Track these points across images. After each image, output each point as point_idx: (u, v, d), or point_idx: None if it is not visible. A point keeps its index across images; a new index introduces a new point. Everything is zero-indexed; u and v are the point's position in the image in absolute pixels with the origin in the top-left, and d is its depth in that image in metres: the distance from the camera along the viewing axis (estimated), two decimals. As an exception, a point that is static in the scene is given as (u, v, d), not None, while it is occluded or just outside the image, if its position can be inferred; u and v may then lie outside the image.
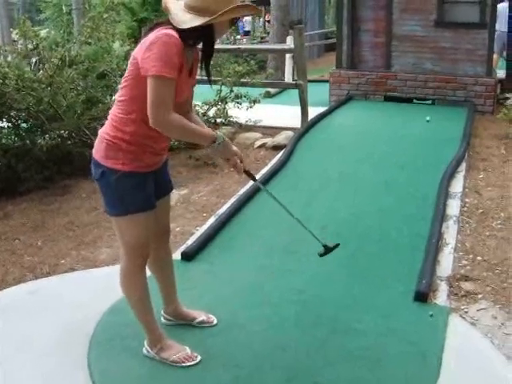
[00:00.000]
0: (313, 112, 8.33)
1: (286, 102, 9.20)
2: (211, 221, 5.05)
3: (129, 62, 2.78)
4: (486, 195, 5.56)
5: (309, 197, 5.48)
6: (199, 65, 2.95)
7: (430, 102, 9.36)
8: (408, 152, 6.77)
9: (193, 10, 2.68)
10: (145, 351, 3.15)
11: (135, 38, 9.23)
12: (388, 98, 9.10)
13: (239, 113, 7.52)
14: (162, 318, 3.47)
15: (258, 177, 6.02)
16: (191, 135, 2.90)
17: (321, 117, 8.12)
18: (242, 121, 7.82)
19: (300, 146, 6.89)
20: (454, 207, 5.14)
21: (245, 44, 20.80)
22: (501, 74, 10.65)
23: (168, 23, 2.70)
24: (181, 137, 3.36)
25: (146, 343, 3.15)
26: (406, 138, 7.27)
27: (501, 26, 12.54)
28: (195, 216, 5.47)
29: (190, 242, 4.61)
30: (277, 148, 7.11)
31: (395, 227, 4.78)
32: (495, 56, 10.17)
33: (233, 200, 5.46)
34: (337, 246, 3.55)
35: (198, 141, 3.04)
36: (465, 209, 5.24)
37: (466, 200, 5.43)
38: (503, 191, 5.63)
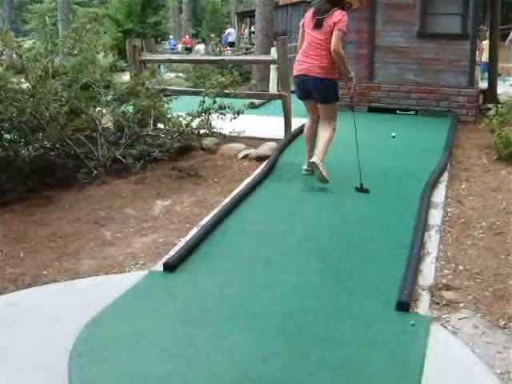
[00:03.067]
0: (297, 123, 8.34)
1: (271, 113, 9.24)
2: (194, 232, 5.04)
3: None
4: (468, 205, 5.59)
5: (292, 207, 5.50)
6: None
7: (413, 112, 9.43)
8: (391, 162, 6.83)
9: None
10: (315, 160, 5.94)
11: (120, 50, 9.22)
12: (372, 109, 9.16)
13: (223, 124, 7.51)
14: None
15: (241, 187, 6.05)
16: (345, 60, 5.93)
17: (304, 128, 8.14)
18: (226, 132, 7.80)
19: (283, 157, 6.91)
20: (436, 217, 5.16)
21: (229, 55, 20.86)
22: (483, 84, 10.79)
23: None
24: (342, 60, 5.93)
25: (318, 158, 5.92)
26: (388, 148, 7.32)
27: None
28: (178, 227, 5.45)
29: (172, 252, 4.61)
30: (260, 159, 7.12)
31: (377, 237, 4.80)
32: None
33: (215, 211, 5.46)
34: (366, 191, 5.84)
35: (345, 69, 6.02)
36: (447, 218, 5.26)
37: (448, 209, 5.46)
38: (485, 201, 5.67)
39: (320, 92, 6.12)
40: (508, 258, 4.46)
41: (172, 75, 19.03)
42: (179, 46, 40.74)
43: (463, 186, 6.15)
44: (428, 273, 4.20)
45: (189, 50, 35.36)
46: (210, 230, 4.96)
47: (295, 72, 6.27)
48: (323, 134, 6.21)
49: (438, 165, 6.33)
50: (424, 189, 5.60)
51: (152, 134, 7.17)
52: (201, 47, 30.06)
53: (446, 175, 6.27)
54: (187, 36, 44.36)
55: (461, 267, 4.34)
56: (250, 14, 20.54)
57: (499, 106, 7.85)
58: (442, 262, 4.42)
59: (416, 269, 4.14)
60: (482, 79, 14.10)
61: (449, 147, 7.09)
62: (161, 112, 7.28)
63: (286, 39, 7.82)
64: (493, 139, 7.13)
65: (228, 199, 5.75)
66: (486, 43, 12.17)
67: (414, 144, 7.53)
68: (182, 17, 59.56)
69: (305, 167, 6.43)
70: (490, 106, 8.99)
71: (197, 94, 7.74)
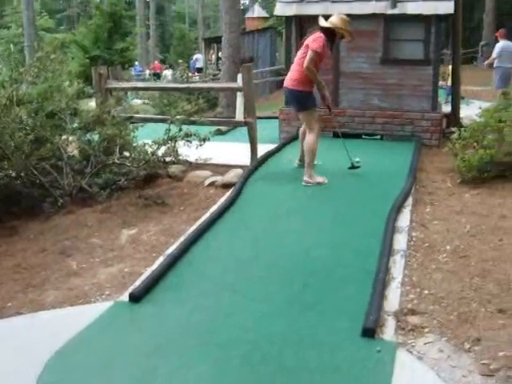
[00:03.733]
0: (263, 149, 8.40)
1: (237, 139, 9.27)
2: (160, 261, 5.02)
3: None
4: (432, 228, 5.65)
5: (258, 234, 5.51)
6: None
7: (378, 137, 9.54)
8: (357, 187, 6.89)
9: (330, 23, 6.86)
10: (304, 183, 6.95)
11: (87, 76, 9.20)
12: (336, 134, 9.23)
13: (189, 151, 7.52)
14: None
15: (207, 215, 6.05)
16: (318, 79, 7.07)
17: (270, 154, 8.21)
18: (192, 159, 7.82)
19: (249, 184, 6.93)
20: (401, 241, 5.21)
21: (196, 82, 20.92)
22: (447, 108, 10.97)
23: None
24: (313, 77, 6.98)
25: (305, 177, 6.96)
26: (354, 173, 7.37)
27: (506, 62, 13.09)
28: (144, 256, 5.43)
29: (138, 283, 4.58)
30: (226, 186, 7.13)
31: (343, 262, 4.83)
32: (500, 91, 10.42)
33: (182, 239, 5.44)
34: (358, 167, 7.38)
35: (320, 84, 7.18)
36: (412, 243, 5.32)
37: (413, 234, 5.52)
38: (449, 224, 5.74)
39: (293, 101, 7.45)
40: (472, 281, 4.52)
41: (139, 101, 19.02)
42: (147, 72, 40.77)
43: (428, 209, 6.23)
44: (393, 298, 4.23)
45: (157, 75, 35.38)
46: (177, 259, 4.95)
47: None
48: (305, 143, 7.30)
49: (403, 189, 6.40)
50: (389, 213, 5.65)
51: (118, 162, 7.15)
52: (168, 73, 30.08)
53: (410, 199, 6.33)
54: (156, 62, 44.44)
55: (426, 291, 4.38)
56: (217, 40, 20.69)
57: (462, 129, 7.98)
58: (408, 287, 4.46)
59: (381, 294, 4.17)
60: (447, 102, 14.30)
61: (413, 172, 7.18)
62: (126, 140, 7.26)
63: (251, 66, 7.88)
64: (456, 163, 7.24)
65: (194, 227, 5.74)
66: (451, 67, 12.36)
67: (379, 168, 7.60)
68: (150, 43, 59.71)
69: (296, 161, 7.79)
70: (453, 129, 9.10)
71: (163, 121, 7.75)
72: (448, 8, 9.06)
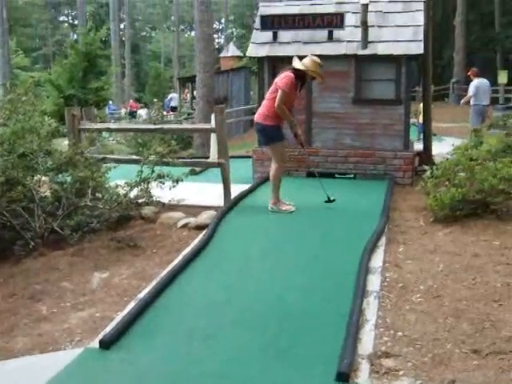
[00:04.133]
0: (237, 189, 8.39)
1: (211, 180, 9.23)
2: (131, 305, 4.95)
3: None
4: (406, 268, 5.65)
5: (231, 277, 5.46)
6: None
7: (351, 175, 9.59)
8: (330, 227, 6.89)
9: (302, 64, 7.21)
10: (269, 209, 7.43)
11: (61, 115, 9.17)
12: (310, 174, 9.28)
13: (162, 192, 7.49)
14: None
15: (180, 258, 6.00)
16: (289, 117, 7.41)
17: (243, 195, 8.19)
18: (166, 200, 7.79)
19: (222, 226, 6.89)
20: (374, 282, 5.20)
21: (171, 121, 20.96)
22: (419, 147, 11.09)
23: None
24: (284, 116, 7.32)
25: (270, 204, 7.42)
26: (327, 212, 7.39)
27: (481, 100, 13.43)
28: (116, 300, 5.36)
29: (108, 328, 4.50)
30: (199, 228, 7.08)
31: (317, 305, 4.80)
32: (481, 127, 10.53)
33: (154, 283, 5.38)
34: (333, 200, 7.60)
35: (290, 120, 7.46)
36: (385, 283, 5.30)
37: (387, 274, 5.51)
38: (422, 264, 5.74)
39: (261, 135, 7.75)
40: (446, 322, 4.51)
41: (114, 141, 19.01)
42: (122, 111, 40.82)
43: (401, 249, 6.23)
44: (367, 341, 4.20)
45: (132, 114, 35.41)
46: (148, 304, 4.88)
47: None
48: (271, 172, 7.65)
49: (376, 229, 6.41)
50: (362, 254, 5.65)
51: (90, 204, 7.09)
52: (142, 112, 30.13)
53: (383, 239, 6.34)
54: (131, 100, 44.59)
55: (400, 333, 4.36)
56: (192, 79, 20.83)
57: (434, 167, 8.05)
58: (381, 329, 4.43)
59: (355, 337, 4.13)
60: (419, 140, 14.49)
61: (386, 211, 7.20)
62: (99, 182, 7.21)
63: (224, 107, 7.90)
64: (428, 201, 7.28)
65: (167, 270, 5.68)
66: (422, 105, 12.56)
67: (353, 207, 7.63)
68: (125, 81, 59.91)
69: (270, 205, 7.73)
70: (425, 167, 9.23)
71: (136, 162, 7.71)
72: (418, 48, 9.22)
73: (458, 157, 7.66)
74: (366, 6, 9.21)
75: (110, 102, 40.28)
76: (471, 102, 13.83)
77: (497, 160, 7.44)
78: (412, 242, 6.45)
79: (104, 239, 7.03)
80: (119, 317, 4.76)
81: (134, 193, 7.45)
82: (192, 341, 4.26)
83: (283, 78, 7.32)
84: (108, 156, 8.84)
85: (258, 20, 10.03)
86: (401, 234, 6.72)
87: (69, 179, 7.63)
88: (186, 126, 13.25)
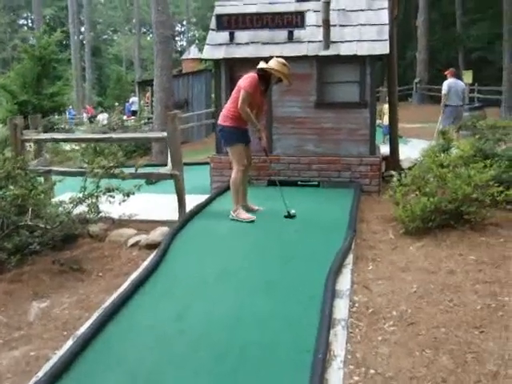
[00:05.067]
0: (194, 200, 7.82)
1: (168, 190, 8.59)
2: (69, 343, 4.37)
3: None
4: (376, 290, 5.14)
5: (183, 304, 4.86)
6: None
7: (315, 182, 9.07)
8: (292, 243, 6.33)
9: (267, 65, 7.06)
10: (230, 216, 7.16)
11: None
12: (272, 183, 8.75)
13: (112, 207, 6.89)
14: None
15: (128, 282, 5.42)
16: (252, 120, 7.08)
17: (200, 208, 7.57)
18: (116, 215, 7.19)
19: (175, 244, 6.28)
20: (341, 308, 4.65)
21: (129, 126, 20.30)
22: (385, 150, 10.63)
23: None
24: (246, 117, 7.05)
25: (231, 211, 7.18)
26: (289, 226, 6.85)
27: (453, 100, 13.14)
28: (54, 335, 4.80)
29: (41, 373, 3.93)
30: (151, 246, 6.49)
31: (278, 337, 4.23)
32: (448, 129, 10.14)
33: (96, 315, 4.78)
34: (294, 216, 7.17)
35: (253, 123, 7.15)
36: (354, 309, 4.78)
37: (355, 298, 4.98)
38: (394, 284, 5.24)
39: (221, 137, 7.51)
40: (423, 355, 4.02)
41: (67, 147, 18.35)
42: (84, 116, 40.03)
43: (370, 267, 5.71)
44: (335, 382, 3.67)
45: (93, 118, 34.72)
46: (88, 341, 4.28)
47: None
48: (231, 179, 7.30)
49: (342, 246, 5.86)
50: (328, 275, 5.09)
51: (30, 223, 6.43)
52: (102, 117, 29.36)
53: (351, 256, 5.80)
54: (88, 106, 43.91)
55: (372, 371, 3.85)
56: (151, 83, 20.14)
57: (402, 174, 7.59)
58: (351, 367, 3.91)
59: (321, 378, 3.60)
60: (384, 142, 14.11)
61: (353, 223, 6.67)
62: (37, 200, 6.54)
63: (176, 114, 7.30)
64: (398, 212, 6.79)
65: (112, 298, 5.09)
66: (387, 106, 12.15)
67: (316, 221, 7.09)
68: (86, 85, 59.01)
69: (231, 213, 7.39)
70: (393, 172, 8.72)
71: (84, 174, 7.08)
72: (383, 48, 8.73)
73: (427, 163, 7.19)
74: (327, 3, 8.70)
75: (70, 107, 39.44)
76: (443, 102, 13.57)
77: (468, 165, 6.99)
78: (382, 258, 5.94)
79: (47, 261, 6.41)
80: (55, 357, 4.17)
81: (82, 208, 6.84)
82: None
83: (246, 78, 7.11)
84: (54, 168, 8.20)
85: (213, 20, 9.45)
86: (369, 250, 6.20)
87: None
88: (135, 134, 12.60)
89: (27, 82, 21.92)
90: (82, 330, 4.54)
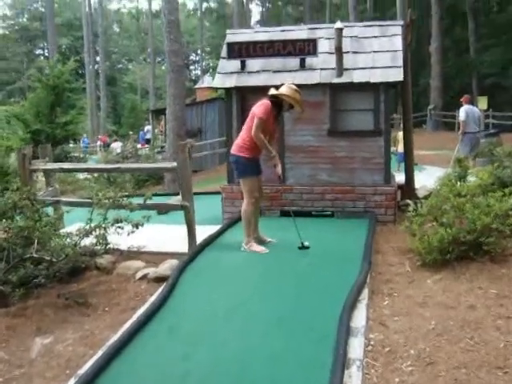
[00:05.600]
0: (205, 231, 7.63)
1: (179, 221, 8.42)
2: (72, 383, 4.17)
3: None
4: (393, 327, 4.90)
5: (190, 344, 4.64)
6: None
7: (329, 212, 8.86)
8: (305, 277, 6.10)
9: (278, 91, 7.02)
10: (242, 249, 7.04)
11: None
12: (285, 213, 8.55)
13: (121, 238, 6.72)
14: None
15: (134, 318, 5.22)
16: (267, 146, 7.02)
17: (210, 240, 7.36)
18: (124, 247, 7.02)
19: (184, 277, 6.05)
20: (356, 348, 4.42)
21: (139, 159, 20.22)
22: (400, 178, 10.43)
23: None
24: (261, 145, 6.97)
25: (243, 244, 7.09)
26: (303, 259, 6.64)
27: (471, 127, 13.03)
28: (56, 374, 4.61)
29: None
30: (159, 280, 6.27)
31: (289, 379, 4.00)
32: (465, 156, 9.97)
33: (100, 353, 4.58)
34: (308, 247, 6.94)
35: (267, 150, 7.06)
36: (369, 348, 4.54)
37: (371, 336, 4.74)
38: (411, 320, 5.00)
39: (233, 167, 7.41)
40: (443, 399, 3.77)
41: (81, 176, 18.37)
42: (98, 144, 40.29)
43: (386, 302, 5.47)
44: (350, 430, 3.44)
45: (107, 147, 34.98)
46: (91, 381, 4.08)
47: None
48: (242, 210, 7.19)
49: (357, 280, 5.62)
50: (342, 312, 4.86)
51: (36, 256, 6.26)
52: (116, 145, 29.41)
53: (366, 291, 5.56)
54: (100, 136, 44.43)
55: (389, 416, 3.61)
56: (165, 112, 20.13)
57: (418, 202, 7.38)
58: (367, 412, 3.68)
59: (336, 425, 3.37)
60: (398, 170, 13.92)
61: (368, 256, 6.43)
62: (42, 232, 6.37)
63: (188, 144, 7.14)
64: (414, 244, 6.56)
65: (118, 335, 4.89)
66: (401, 133, 11.98)
67: (330, 253, 6.87)
68: (101, 114, 59.46)
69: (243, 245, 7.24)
70: (408, 201, 8.53)
71: (91, 205, 6.93)
72: (397, 75, 8.58)
73: (444, 192, 6.96)
74: (340, 30, 8.57)
75: (85, 136, 39.71)
76: (462, 130, 13.43)
77: (487, 194, 6.76)
78: (398, 292, 5.70)
79: (52, 295, 6.24)
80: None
81: (90, 240, 6.69)
82: None
83: (259, 105, 7.00)
84: (62, 199, 8.06)
85: (224, 48, 9.34)
86: (385, 284, 5.96)
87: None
88: (144, 165, 12.43)
89: (40, 111, 22.06)
90: (84, 370, 4.34)
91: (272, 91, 7.09)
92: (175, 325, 5.04)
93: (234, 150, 7.15)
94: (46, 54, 73.27)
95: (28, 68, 66.37)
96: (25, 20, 74.58)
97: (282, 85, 7.21)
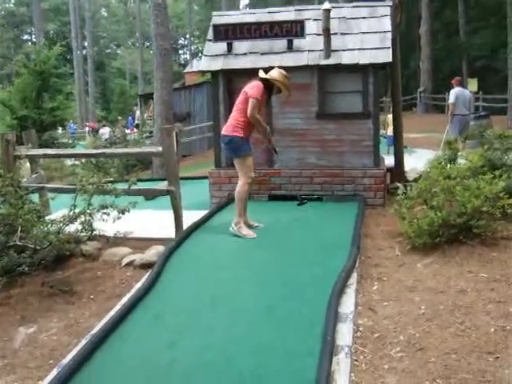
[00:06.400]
0: (192, 216, 7.52)
1: (167, 206, 8.30)
2: (53, 374, 4.08)
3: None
4: (382, 312, 4.83)
5: (174, 333, 4.54)
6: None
7: (318, 196, 8.76)
8: (293, 263, 6.00)
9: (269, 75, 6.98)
10: (230, 229, 6.93)
11: (16, 139, 8.25)
12: (273, 197, 8.45)
13: (107, 225, 6.60)
14: None
15: (118, 306, 5.12)
16: (264, 125, 7.12)
17: (197, 225, 7.26)
18: (111, 233, 6.90)
19: (171, 263, 5.95)
20: (345, 334, 4.33)
21: (127, 144, 20.04)
22: (389, 159, 10.35)
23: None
24: (258, 124, 6.98)
25: (232, 224, 6.95)
26: (291, 244, 6.55)
27: (461, 109, 13.00)
28: (40, 364, 4.52)
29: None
30: (146, 266, 6.17)
31: (276, 369, 3.89)
32: (455, 138, 9.92)
33: (83, 342, 4.48)
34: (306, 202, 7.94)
35: (262, 128, 7.11)
36: (358, 334, 4.46)
37: (360, 321, 4.67)
38: (401, 305, 4.93)
39: (226, 148, 7.29)
40: (434, 385, 3.70)
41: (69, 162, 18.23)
42: (86, 129, 40.08)
43: (375, 287, 5.39)
44: (338, 418, 3.37)
45: (95, 132, 34.77)
46: (72, 372, 3.98)
47: None
48: (236, 190, 7.07)
49: (346, 265, 5.52)
50: (330, 298, 4.77)
51: (19, 243, 6.13)
52: (104, 131, 29.16)
53: (355, 275, 5.47)
54: (87, 123, 44.34)
55: (378, 405, 3.54)
56: (153, 96, 19.94)
57: (407, 185, 7.29)
58: (356, 399, 3.60)
59: (323, 414, 3.30)
60: (388, 153, 13.85)
61: (357, 240, 6.34)
62: (25, 219, 6.23)
63: (174, 128, 7.03)
64: (404, 227, 6.48)
65: (102, 323, 4.79)
66: (391, 116, 11.88)
67: (319, 238, 6.78)
68: (89, 100, 59.06)
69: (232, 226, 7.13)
70: (398, 184, 8.41)
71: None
72: (386, 56, 8.45)
73: (434, 175, 6.88)
74: (327, 11, 8.43)
75: (71, 122, 39.42)
76: (451, 112, 13.39)
77: (477, 177, 6.68)
78: (388, 277, 5.62)
79: (37, 283, 6.12)
80: (39, 390, 3.88)
81: (75, 226, 6.57)
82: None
83: (253, 86, 6.95)
84: (46, 185, 7.93)
85: (210, 30, 9.18)
86: (374, 268, 5.88)
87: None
88: (129, 150, 12.22)
89: (27, 96, 21.80)
90: (67, 359, 4.25)
91: (261, 74, 7.04)
92: (160, 313, 4.94)
93: (226, 130, 7.05)
94: (34, 40, 72.64)
95: (15, 54, 65.75)
96: (11, 5, 73.77)
97: (270, 67, 7.16)
